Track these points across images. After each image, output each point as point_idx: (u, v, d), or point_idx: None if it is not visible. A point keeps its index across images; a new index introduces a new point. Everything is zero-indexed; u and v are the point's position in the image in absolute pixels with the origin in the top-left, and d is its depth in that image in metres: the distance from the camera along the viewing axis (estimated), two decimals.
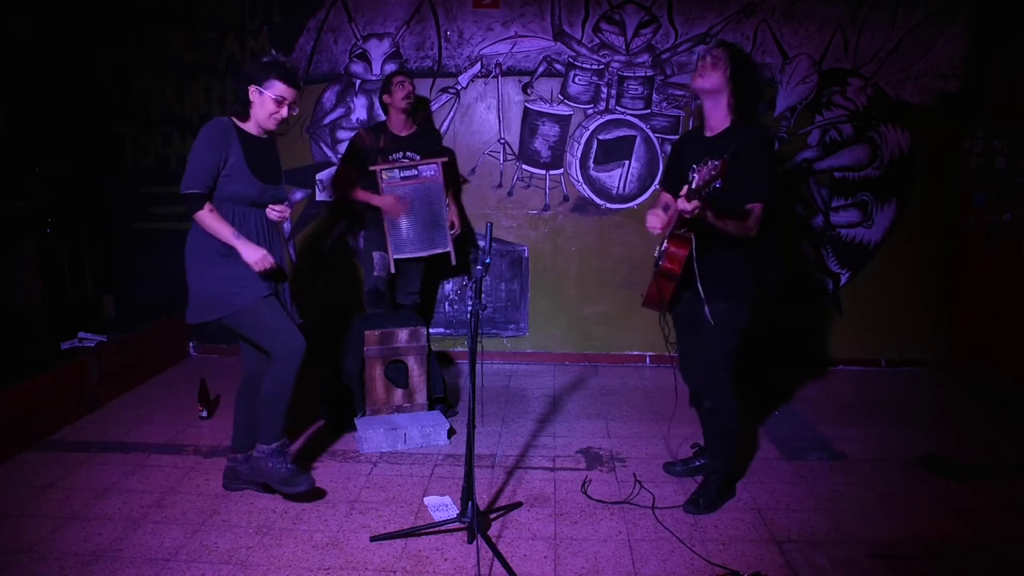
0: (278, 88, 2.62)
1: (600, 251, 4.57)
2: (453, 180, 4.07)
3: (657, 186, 4.41)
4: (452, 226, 3.89)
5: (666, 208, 2.77)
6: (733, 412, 2.71)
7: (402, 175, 3.78)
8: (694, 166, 2.57)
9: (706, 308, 2.55)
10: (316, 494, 2.85)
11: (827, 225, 4.46)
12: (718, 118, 2.60)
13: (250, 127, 2.69)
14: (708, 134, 2.64)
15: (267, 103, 2.63)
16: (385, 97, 3.79)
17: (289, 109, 2.68)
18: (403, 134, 3.85)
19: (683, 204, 2.32)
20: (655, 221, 2.70)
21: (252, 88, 2.62)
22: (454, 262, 3.94)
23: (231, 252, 2.60)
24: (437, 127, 4.45)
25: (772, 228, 2.58)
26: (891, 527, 2.63)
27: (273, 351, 2.68)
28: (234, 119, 2.68)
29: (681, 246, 2.53)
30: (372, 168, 3.76)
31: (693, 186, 2.25)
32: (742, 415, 2.74)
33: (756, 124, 2.63)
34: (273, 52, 2.74)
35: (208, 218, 2.57)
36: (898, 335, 4.53)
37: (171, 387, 4.22)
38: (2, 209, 3.70)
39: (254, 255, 2.60)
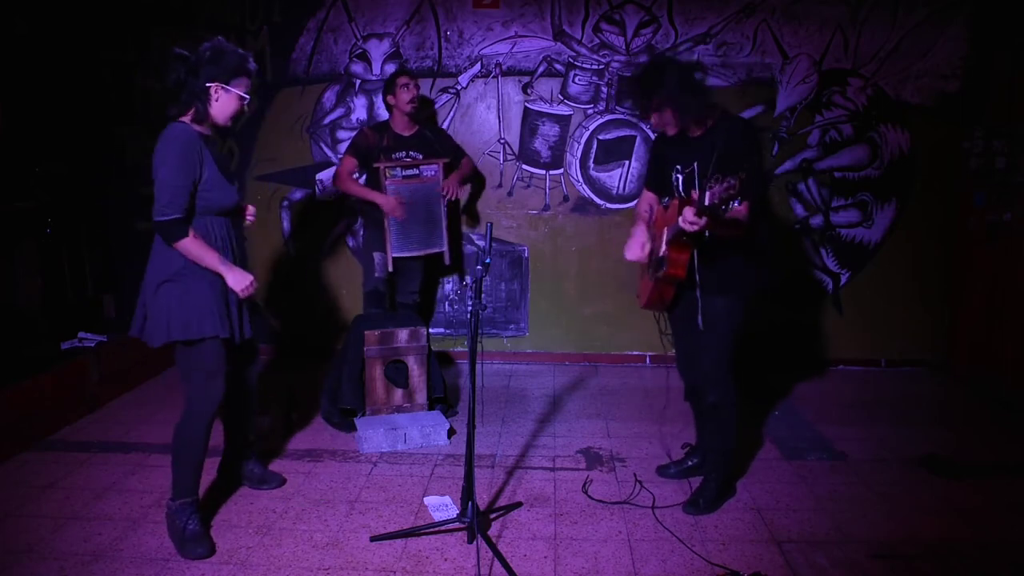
0: (245, 84, 2.41)
1: (600, 251, 4.57)
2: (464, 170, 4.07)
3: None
4: (446, 192, 3.82)
5: (651, 213, 2.80)
6: (735, 405, 2.72)
7: (404, 173, 3.80)
8: (678, 167, 2.56)
9: (705, 305, 2.55)
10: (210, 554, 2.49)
11: (827, 225, 4.45)
12: (696, 125, 2.56)
13: (203, 128, 2.43)
14: (691, 135, 2.58)
15: (232, 102, 2.40)
16: (389, 98, 3.80)
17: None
18: (406, 134, 3.87)
19: (690, 218, 2.24)
20: (635, 250, 2.76)
21: (215, 86, 2.36)
22: (448, 261, 3.94)
23: (193, 273, 2.35)
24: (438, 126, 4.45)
25: (762, 222, 2.58)
26: (891, 527, 2.63)
27: (189, 396, 2.48)
28: (190, 123, 2.38)
29: (683, 250, 2.50)
30: (375, 165, 3.77)
31: (706, 203, 2.12)
32: (742, 414, 2.74)
33: (737, 118, 2.60)
34: (220, 40, 2.40)
35: (193, 246, 2.33)
36: (898, 335, 4.53)
37: (171, 387, 4.21)
38: (2, 209, 3.70)
39: (242, 281, 2.40)
